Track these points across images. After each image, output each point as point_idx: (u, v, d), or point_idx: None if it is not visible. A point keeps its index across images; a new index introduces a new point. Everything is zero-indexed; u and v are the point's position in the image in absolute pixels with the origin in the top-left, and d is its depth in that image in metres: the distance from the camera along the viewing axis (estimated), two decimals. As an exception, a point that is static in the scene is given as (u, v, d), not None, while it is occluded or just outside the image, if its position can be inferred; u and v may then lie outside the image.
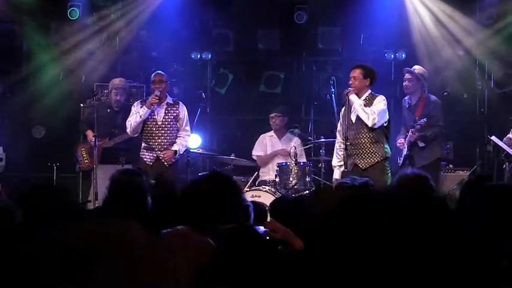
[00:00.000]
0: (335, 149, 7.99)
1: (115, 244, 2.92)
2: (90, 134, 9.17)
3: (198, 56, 11.06)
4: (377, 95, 7.80)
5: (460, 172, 9.83)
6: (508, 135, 8.81)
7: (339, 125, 7.93)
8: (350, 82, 7.76)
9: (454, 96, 10.76)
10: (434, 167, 8.88)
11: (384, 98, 7.79)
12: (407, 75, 8.98)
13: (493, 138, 8.97)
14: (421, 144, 8.89)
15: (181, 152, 8.67)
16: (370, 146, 7.67)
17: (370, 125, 7.59)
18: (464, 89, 10.81)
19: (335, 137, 8.87)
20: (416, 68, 9.08)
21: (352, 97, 7.67)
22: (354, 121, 7.74)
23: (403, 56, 10.77)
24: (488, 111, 10.75)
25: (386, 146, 7.78)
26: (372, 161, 7.64)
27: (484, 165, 10.36)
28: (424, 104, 8.99)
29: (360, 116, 7.62)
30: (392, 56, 10.80)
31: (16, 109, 10.83)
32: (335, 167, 7.90)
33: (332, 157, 9.36)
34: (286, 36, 11.07)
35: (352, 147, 7.71)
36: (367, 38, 10.78)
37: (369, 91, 7.77)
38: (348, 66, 10.82)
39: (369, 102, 7.69)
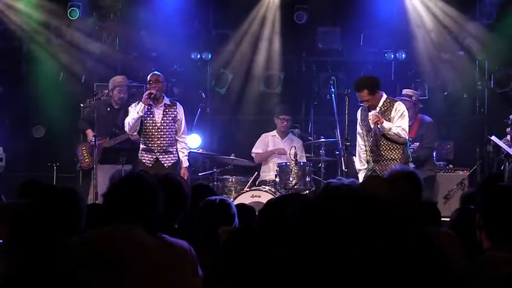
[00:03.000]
0: (357, 152, 7.91)
1: (137, 250, 2.94)
2: (90, 133, 9.16)
3: (198, 56, 11.06)
4: (395, 100, 7.77)
5: (460, 172, 9.83)
6: (506, 138, 8.82)
7: (358, 127, 7.88)
8: (365, 105, 7.69)
9: (454, 96, 10.77)
10: (427, 184, 8.88)
11: (404, 107, 7.75)
12: (405, 104, 8.95)
13: (493, 138, 8.97)
14: (412, 166, 8.92)
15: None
16: (389, 152, 7.65)
17: (401, 143, 7.66)
18: (464, 89, 10.81)
19: (335, 137, 8.90)
20: (411, 94, 9.10)
21: (385, 125, 7.57)
22: (372, 127, 7.69)
23: (403, 56, 10.76)
24: (488, 111, 10.75)
25: (406, 150, 7.78)
26: (390, 166, 7.56)
27: (484, 165, 10.37)
28: (418, 125, 9.03)
29: (393, 139, 7.60)
30: (392, 56, 10.79)
31: (16, 109, 10.83)
32: (360, 170, 7.83)
33: (332, 157, 9.41)
34: (286, 36, 11.07)
35: (372, 154, 7.70)
36: (367, 38, 10.79)
37: (384, 97, 7.71)
38: (348, 66, 10.93)
39: (387, 109, 7.66)
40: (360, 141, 7.86)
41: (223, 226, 3.94)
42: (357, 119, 7.97)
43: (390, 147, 7.65)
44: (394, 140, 7.64)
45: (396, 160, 7.63)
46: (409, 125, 8.86)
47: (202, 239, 3.73)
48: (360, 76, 8.03)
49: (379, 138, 7.65)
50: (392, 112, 7.64)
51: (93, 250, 2.94)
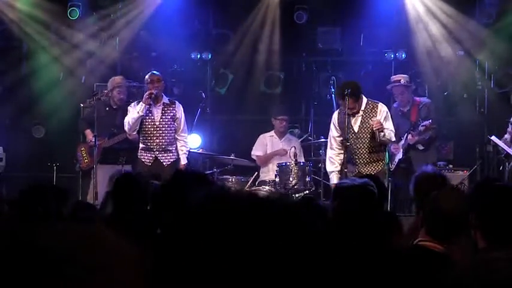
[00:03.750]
0: (329, 154, 7.95)
1: (89, 247, 2.91)
2: (89, 133, 9.16)
3: (198, 56, 11.06)
4: (376, 102, 7.83)
5: (460, 172, 9.82)
6: (504, 137, 8.83)
7: (335, 131, 7.91)
8: (349, 112, 7.71)
9: (454, 96, 10.77)
10: None
11: (386, 108, 7.89)
12: (396, 91, 8.99)
13: (493, 138, 8.97)
14: (421, 147, 8.94)
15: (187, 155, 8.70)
16: (374, 154, 7.77)
17: (387, 144, 7.85)
18: (464, 89, 10.81)
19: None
20: (399, 79, 9.12)
21: (386, 131, 7.67)
22: (356, 131, 7.76)
23: (403, 56, 10.76)
24: (488, 111, 10.74)
25: (386, 152, 7.93)
26: (377, 168, 7.72)
27: (484, 165, 10.36)
28: (418, 108, 9.05)
29: (388, 141, 7.75)
30: (392, 56, 10.79)
31: (16, 109, 10.83)
32: (332, 172, 7.88)
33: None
34: (286, 36, 11.07)
35: (356, 156, 7.76)
36: (367, 38, 10.78)
37: (365, 100, 7.78)
38: (348, 66, 10.93)
39: (370, 111, 7.75)
40: (333, 144, 7.88)
41: None
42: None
43: (374, 149, 7.79)
44: (383, 142, 7.72)
45: (380, 161, 7.79)
46: (407, 109, 8.95)
47: None
48: (342, 84, 8.02)
49: (364, 141, 7.72)
50: (378, 115, 7.71)
51: (77, 246, 2.91)
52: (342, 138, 7.78)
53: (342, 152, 7.77)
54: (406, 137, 8.91)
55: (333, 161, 7.88)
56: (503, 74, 10.58)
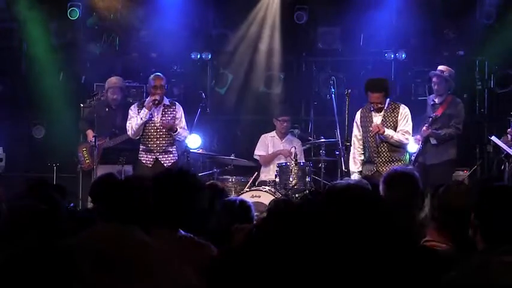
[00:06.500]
0: (352, 154, 7.99)
1: (131, 249, 2.93)
2: (90, 134, 9.17)
3: (198, 56, 11.06)
4: (398, 104, 7.90)
5: (460, 172, 9.81)
6: (505, 137, 8.81)
7: (356, 130, 7.95)
8: (374, 106, 7.78)
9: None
10: (445, 167, 8.82)
11: (408, 110, 7.91)
12: (435, 79, 8.94)
13: (493, 138, 8.96)
14: (433, 142, 8.82)
15: (180, 137, 8.64)
16: (392, 153, 7.78)
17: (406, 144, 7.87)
18: (464, 89, 10.80)
19: (335, 137, 8.90)
20: (444, 70, 9.03)
21: (388, 132, 7.71)
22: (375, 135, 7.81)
23: (403, 56, 10.76)
24: (488, 111, 10.75)
25: (408, 152, 7.92)
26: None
27: (484, 165, 10.37)
28: (448, 105, 8.92)
29: (397, 143, 7.76)
30: (392, 56, 10.78)
31: (16, 109, 10.83)
32: (353, 172, 7.93)
33: (332, 157, 9.41)
34: (286, 36, 11.07)
35: (374, 155, 7.78)
36: (367, 38, 10.77)
37: (387, 100, 7.86)
38: (348, 66, 10.92)
39: (392, 112, 7.81)
40: (356, 144, 7.94)
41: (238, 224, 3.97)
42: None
43: (394, 149, 7.75)
44: (397, 145, 7.74)
45: (400, 161, 7.74)
46: (438, 103, 8.80)
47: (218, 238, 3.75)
48: (375, 78, 8.06)
49: (382, 139, 7.74)
50: (399, 116, 7.76)
51: (97, 250, 2.92)
52: (362, 138, 7.85)
53: (364, 151, 7.87)
54: None
55: (355, 160, 7.95)
56: (503, 74, 10.58)
